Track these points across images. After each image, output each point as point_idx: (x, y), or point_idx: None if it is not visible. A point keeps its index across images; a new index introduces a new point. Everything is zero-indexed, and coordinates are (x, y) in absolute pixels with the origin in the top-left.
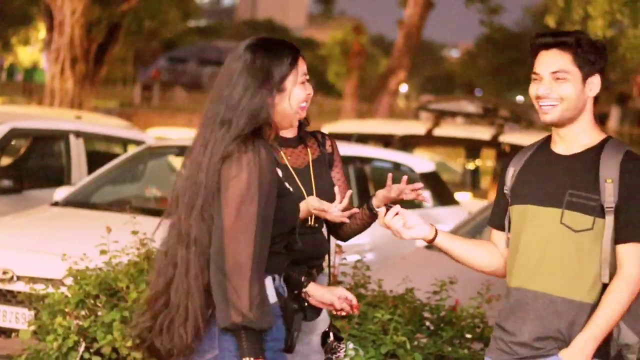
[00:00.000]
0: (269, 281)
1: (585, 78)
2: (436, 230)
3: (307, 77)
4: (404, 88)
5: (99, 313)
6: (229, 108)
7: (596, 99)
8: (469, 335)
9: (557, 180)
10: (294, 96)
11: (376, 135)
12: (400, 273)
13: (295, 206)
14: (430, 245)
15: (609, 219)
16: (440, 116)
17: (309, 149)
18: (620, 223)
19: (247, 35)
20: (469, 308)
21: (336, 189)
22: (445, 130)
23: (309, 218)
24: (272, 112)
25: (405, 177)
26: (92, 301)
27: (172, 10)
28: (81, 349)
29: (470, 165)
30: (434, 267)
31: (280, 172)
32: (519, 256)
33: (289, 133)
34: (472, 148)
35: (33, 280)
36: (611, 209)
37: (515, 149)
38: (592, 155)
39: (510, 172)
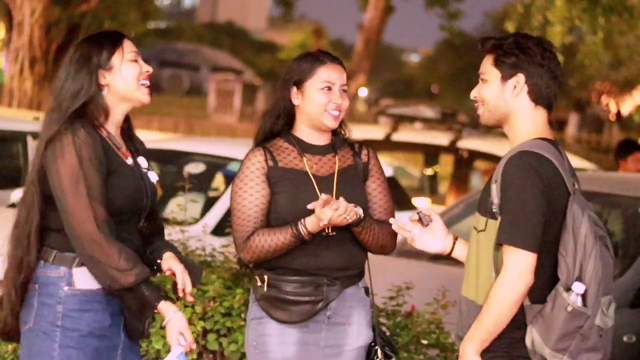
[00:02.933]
0: None
1: (504, 79)
2: (454, 245)
3: (139, 56)
4: (363, 92)
5: None
6: (56, 95)
7: (541, 99)
8: (424, 341)
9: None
10: (125, 72)
11: None
12: None
13: (133, 186)
14: None
15: (498, 221)
16: (399, 121)
17: (337, 158)
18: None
19: (207, 37)
20: (425, 314)
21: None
22: (404, 135)
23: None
24: (99, 93)
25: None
26: None
27: (132, 12)
28: None
29: (429, 171)
30: (391, 273)
31: (292, 177)
32: None
33: (320, 140)
34: (431, 153)
35: None
36: (497, 210)
37: (473, 154)
38: None
39: None
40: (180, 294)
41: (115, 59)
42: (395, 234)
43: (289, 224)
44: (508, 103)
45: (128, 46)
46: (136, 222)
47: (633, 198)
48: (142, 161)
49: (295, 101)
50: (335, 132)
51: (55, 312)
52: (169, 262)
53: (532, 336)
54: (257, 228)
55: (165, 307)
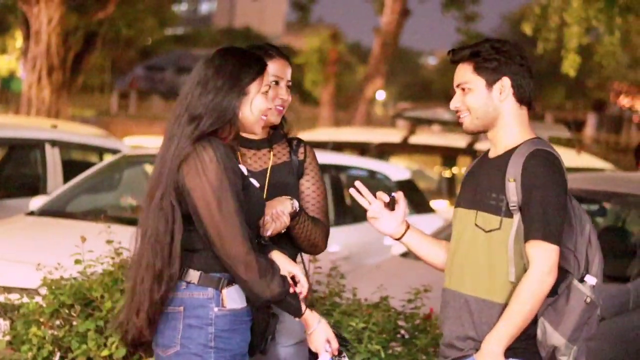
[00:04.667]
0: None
1: (489, 84)
2: (405, 232)
3: (269, 89)
4: (381, 95)
5: (74, 323)
6: (199, 106)
7: (525, 98)
8: None
9: (480, 182)
10: (255, 104)
11: (352, 143)
12: (375, 281)
13: (257, 197)
14: (406, 253)
15: (515, 218)
16: (416, 124)
17: (271, 153)
18: (524, 222)
19: (225, 43)
20: None
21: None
22: (422, 138)
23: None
24: (238, 114)
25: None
26: (66, 311)
27: (149, 19)
28: (56, 358)
29: (447, 173)
30: (409, 275)
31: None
32: (448, 257)
33: (256, 135)
34: (448, 156)
35: (8, 290)
36: (515, 208)
37: None
38: (508, 156)
39: (464, 178)
40: (300, 294)
41: (254, 87)
42: (326, 234)
43: None
44: (497, 107)
45: (267, 77)
46: (257, 233)
47: None
48: (243, 169)
49: None
50: (274, 127)
51: (206, 334)
52: (281, 261)
53: (544, 328)
54: None
55: (310, 317)
